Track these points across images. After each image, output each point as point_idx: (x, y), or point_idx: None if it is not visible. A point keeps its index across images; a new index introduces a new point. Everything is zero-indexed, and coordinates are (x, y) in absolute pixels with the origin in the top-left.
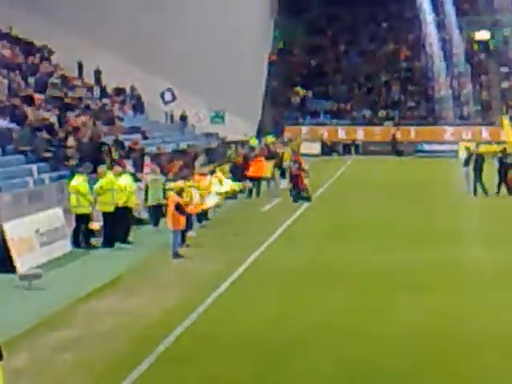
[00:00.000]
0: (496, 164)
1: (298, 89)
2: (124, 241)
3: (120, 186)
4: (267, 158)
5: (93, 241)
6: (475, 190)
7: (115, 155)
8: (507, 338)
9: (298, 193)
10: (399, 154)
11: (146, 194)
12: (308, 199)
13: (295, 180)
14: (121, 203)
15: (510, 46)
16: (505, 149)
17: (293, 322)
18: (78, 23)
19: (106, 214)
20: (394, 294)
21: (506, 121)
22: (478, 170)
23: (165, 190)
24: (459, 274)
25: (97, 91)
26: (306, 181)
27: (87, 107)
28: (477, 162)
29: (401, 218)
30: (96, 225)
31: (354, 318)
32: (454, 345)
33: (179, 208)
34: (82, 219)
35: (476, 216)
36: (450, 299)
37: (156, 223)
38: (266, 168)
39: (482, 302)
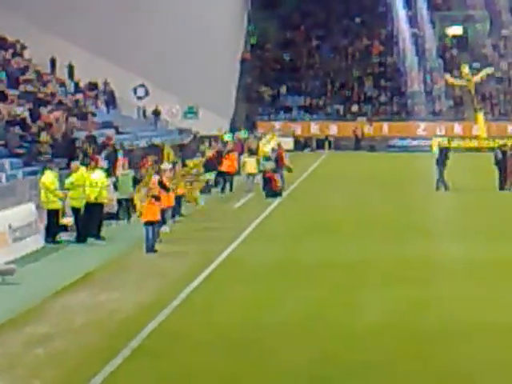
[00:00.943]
0: (499, 156)
1: (266, 89)
2: (97, 236)
3: (92, 182)
4: (250, 155)
5: (64, 236)
6: (439, 184)
7: (89, 150)
8: (479, 329)
9: (270, 189)
10: (372, 148)
11: (116, 188)
12: (278, 194)
13: (268, 179)
14: (92, 198)
15: (482, 41)
16: (505, 144)
17: (266, 317)
18: (50, 18)
19: (76, 210)
20: (366, 288)
21: (480, 116)
22: (442, 165)
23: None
24: (431, 267)
25: (70, 86)
26: (279, 182)
27: (60, 102)
28: (441, 156)
29: (374, 213)
30: (68, 220)
31: (327, 312)
32: (427, 337)
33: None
34: (52, 215)
35: (449, 210)
36: (423, 292)
37: (127, 217)
38: (250, 164)
39: (453, 295)
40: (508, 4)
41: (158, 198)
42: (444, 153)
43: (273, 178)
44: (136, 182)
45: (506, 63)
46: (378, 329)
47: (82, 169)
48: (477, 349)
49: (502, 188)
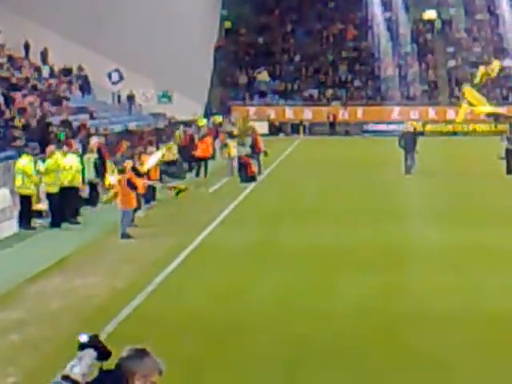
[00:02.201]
0: (505, 142)
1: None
2: (72, 221)
3: (65, 166)
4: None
5: (39, 222)
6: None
7: (63, 135)
8: (453, 315)
9: (245, 174)
10: (346, 133)
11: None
12: (253, 179)
13: (243, 164)
14: (66, 183)
15: (456, 25)
16: None
17: (240, 302)
18: (24, 3)
19: (50, 195)
20: (340, 273)
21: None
22: (409, 148)
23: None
24: (406, 253)
25: (44, 71)
26: (254, 168)
27: (34, 87)
28: (409, 140)
29: (348, 198)
30: (42, 205)
31: (302, 297)
32: (401, 321)
33: (130, 183)
34: (26, 200)
35: (424, 195)
36: (397, 277)
37: (93, 203)
38: (232, 147)
39: (427, 280)
40: None
41: (134, 187)
42: (412, 137)
43: (248, 162)
44: (99, 166)
45: (480, 48)
46: (353, 313)
47: (57, 154)
48: (450, 334)
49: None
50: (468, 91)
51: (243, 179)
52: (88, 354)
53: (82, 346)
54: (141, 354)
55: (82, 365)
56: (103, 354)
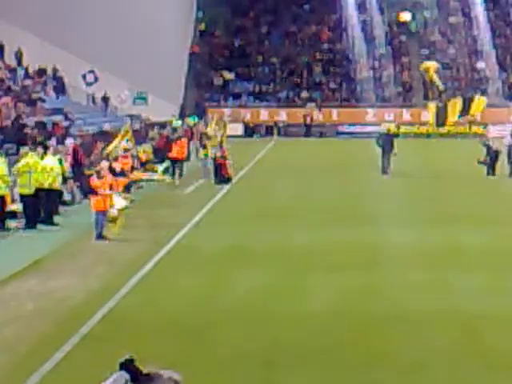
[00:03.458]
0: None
1: (225, 73)
2: (49, 223)
3: (45, 168)
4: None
5: (13, 223)
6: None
7: (39, 137)
8: (427, 315)
9: (221, 176)
10: (321, 135)
11: None
12: (228, 180)
13: (219, 166)
14: (46, 185)
15: (431, 27)
16: None
17: (215, 303)
18: None
19: (24, 196)
20: (315, 274)
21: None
22: (387, 149)
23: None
24: (379, 254)
25: (20, 73)
26: (229, 169)
27: (9, 89)
28: (386, 141)
29: (322, 199)
30: (16, 206)
31: (276, 298)
32: (375, 323)
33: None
34: (0, 201)
35: (397, 196)
36: (371, 278)
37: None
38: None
39: (401, 281)
40: None
41: (110, 187)
42: (389, 139)
43: (223, 164)
44: (75, 167)
45: (454, 50)
46: (327, 315)
47: (31, 155)
48: (424, 335)
49: None
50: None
51: (218, 180)
52: (122, 377)
53: (120, 366)
54: (149, 378)
55: None
56: (135, 376)
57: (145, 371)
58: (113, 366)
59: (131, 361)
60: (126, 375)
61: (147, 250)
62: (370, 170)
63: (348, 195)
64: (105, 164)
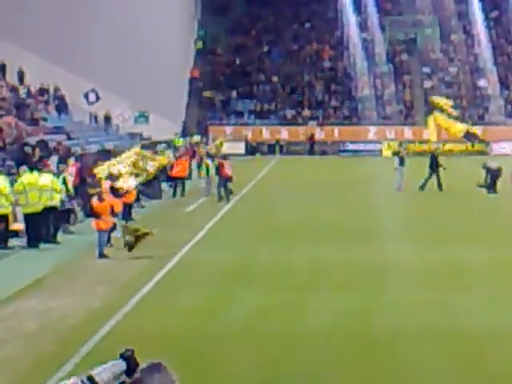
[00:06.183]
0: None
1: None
2: (51, 241)
3: (42, 186)
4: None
5: (16, 242)
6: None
7: (38, 155)
8: (428, 334)
9: (221, 176)
10: (323, 153)
11: None
12: (230, 180)
13: (219, 165)
14: (46, 203)
15: (432, 46)
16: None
17: (216, 323)
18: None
19: (26, 215)
20: (317, 292)
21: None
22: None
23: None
24: (379, 272)
25: (22, 92)
26: (229, 170)
27: (11, 108)
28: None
29: (324, 217)
30: (18, 225)
31: (277, 317)
32: (376, 341)
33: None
34: (2, 220)
35: (399, 214)
36: (372, 297)
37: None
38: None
39: (403, 300)
40: (456, 9)
41: (112, 209)
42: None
43: (222, 163)
44: (78, 186)
45: (456, 68)
46: (327, 333)
47: (26, 174)
48: (425, 355)
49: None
50: (437, 117)
51: (219, 183)
52: (119, 365)
53: (120, 356)
54: (151, 370)
55: (109, 373)
56: (131, 369)
57: (142, 366)
58: None
59: (132, 352)
60: (123, 366)
61: (148, 268)
62: (373, 187)
63: (350, 213)
64: (107, 184)
